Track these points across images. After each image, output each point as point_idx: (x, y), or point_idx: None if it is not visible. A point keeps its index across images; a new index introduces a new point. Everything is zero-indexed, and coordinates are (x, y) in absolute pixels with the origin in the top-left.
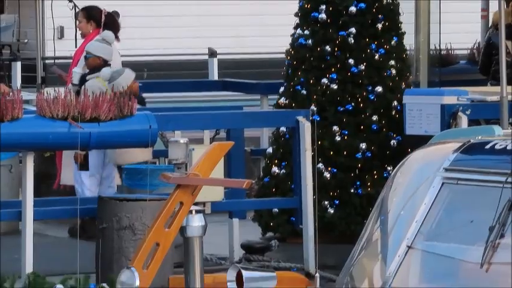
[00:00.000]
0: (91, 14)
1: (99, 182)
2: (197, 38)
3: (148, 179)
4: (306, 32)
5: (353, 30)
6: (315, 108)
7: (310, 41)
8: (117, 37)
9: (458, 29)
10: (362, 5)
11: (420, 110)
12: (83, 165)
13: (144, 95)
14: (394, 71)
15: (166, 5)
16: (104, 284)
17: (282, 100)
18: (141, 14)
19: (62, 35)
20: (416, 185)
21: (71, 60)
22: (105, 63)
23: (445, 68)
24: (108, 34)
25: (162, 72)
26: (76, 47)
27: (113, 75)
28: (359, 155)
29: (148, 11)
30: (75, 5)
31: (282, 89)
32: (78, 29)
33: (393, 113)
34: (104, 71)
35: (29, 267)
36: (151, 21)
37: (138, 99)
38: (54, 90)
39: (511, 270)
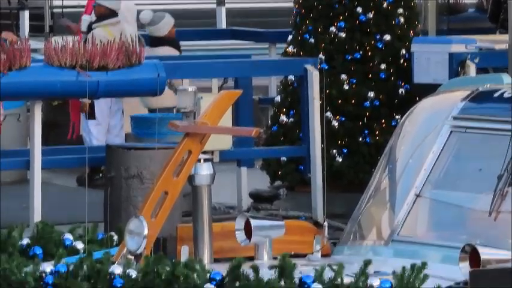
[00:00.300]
0: None
1: (106, 130)
2: None
3: (157, 128)
4: None
5: None
6: (323, 57)
7: None
8: None
9: None
10: None
11: (428, 58)
12: (91, 114)
13: None
14: (402, 19)
15: None
16: (112, 233)
17: (290, 49)
18: None
19: None
20: (424, 134)
21: (82, 10)
22: (112, 12)
23: (454, 16)
24: None
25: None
26: None
27: (153, 19)
28: (367, 104)
29: None
30: None
31: (290, 37)
32: None
33: (401, 61)
34: (145, 14)
35: (37, 216)
36: None
37: (175, 45)
38: (62, 38)
39: None
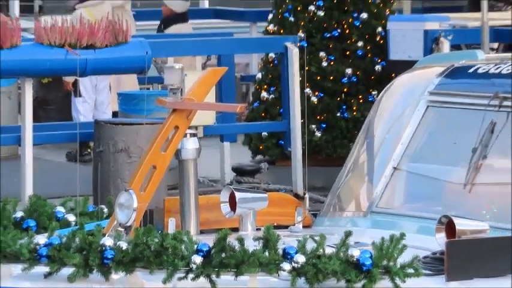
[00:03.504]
0: None
1: (93, 107)
2: None
3: (145, 104)
4: None
5: None
6: (303, 35)
7: None
8: None
9: None
10: None
11: (404, 35)
12: (76, 92)
13: (138, 23)
14: None
15: None
16: (103, 206)
17: (271, 27)
18: None
19: None
20: (401, 109)
21: None
22: None
23: None
24: None
25: (155, 1)
26: None
27: None
28: (345, 80)
29: None
30: None
31: (270, 16)
32: None
33: (378, 38)
34: None
35: (29, 191)
36: None
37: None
38: (52, 18)
39: (493, 190)
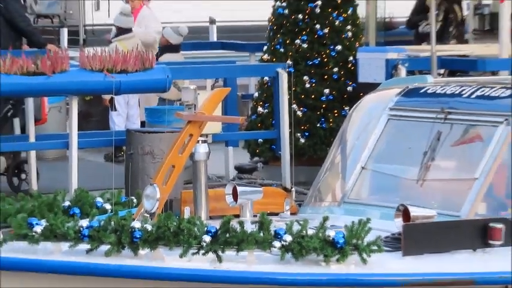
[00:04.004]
0: None
1: (125, 119)
2: (201, 10)
3: (166, 117)
4: (284, 3)
5: (319, 2)
6: (290, 62)
7: (286, 11)
8: None
9: (399, 2)
10: None
11: (370, 63)
12: (112, 107)
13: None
14: (350, 34)
15: None
16: (132, 197)
17: (265, 56)
18: None
19: (98, 8)
20: (368, 121)
21: (108, 27)
22: (126, 30)
23: (389, 32)
24: (124, 7)
25: None
26: (109, 17)
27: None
28: (323, 98)
29: None
30: None
31: (265, 48)
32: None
33: (349, 65)
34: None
35: (74, 185)
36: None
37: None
38: (93, 49)
39: (439, 185)
